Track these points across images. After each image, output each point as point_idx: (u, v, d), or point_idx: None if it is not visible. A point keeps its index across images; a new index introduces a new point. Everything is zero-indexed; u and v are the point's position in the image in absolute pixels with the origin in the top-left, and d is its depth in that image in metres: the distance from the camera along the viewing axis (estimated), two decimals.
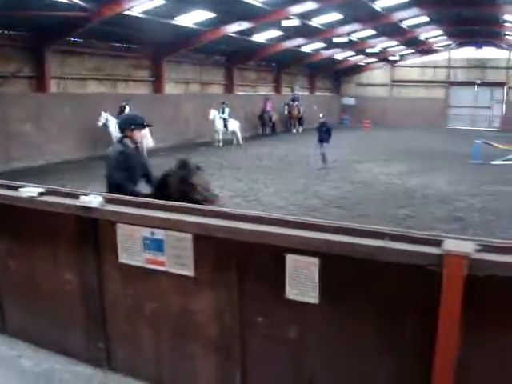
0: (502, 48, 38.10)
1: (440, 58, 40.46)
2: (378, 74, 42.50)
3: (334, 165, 17.10)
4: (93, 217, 3.42)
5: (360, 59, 39.34)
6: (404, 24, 28.09)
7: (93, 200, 3.38)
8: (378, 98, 41.74)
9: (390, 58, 39.57)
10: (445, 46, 38.41)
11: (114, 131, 15.91)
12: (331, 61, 36.52)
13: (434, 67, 40.80)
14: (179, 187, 4.78)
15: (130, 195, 4.52)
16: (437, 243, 2.43)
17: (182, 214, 3.18)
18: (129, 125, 5.42)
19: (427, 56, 40.35)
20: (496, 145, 20.35)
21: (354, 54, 36.57)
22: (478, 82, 39.85)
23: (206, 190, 5.01)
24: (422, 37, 33.57)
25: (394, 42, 33.97)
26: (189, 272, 3.21)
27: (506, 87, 39.67)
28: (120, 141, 5.48)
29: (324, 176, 15.27)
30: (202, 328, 3.28)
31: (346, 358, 2.86)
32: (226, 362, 3.24)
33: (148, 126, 5.79)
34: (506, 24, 29.59)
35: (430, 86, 41.03)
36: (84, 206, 3.36)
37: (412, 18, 27.06)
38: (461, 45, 38.34)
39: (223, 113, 23.35)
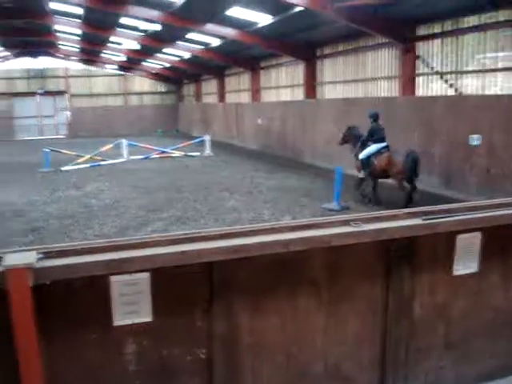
0: (59, 57, 39.18)
1: None
2: None
3: None
4: None
5: None
6: None
7: None
8: None
9: None
10: (1, 57, 37.28)
11: None
12: None
13: None
14: None
15: None
16: None
17: None
18: None
19: None
20: (64, 151, 20.92)
21: None
22: (40, 91, 40.10)
23: None
24: None
25: None
26: None
27: (67, 95, 41.03)
28: None
29: None
30: None
31: None
32: None
33: None
34: (58, 34, 30.46)
35: None
36: None
37: None
38: (17, 55, 37.84)
39: None
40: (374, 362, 3.17)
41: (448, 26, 13.90)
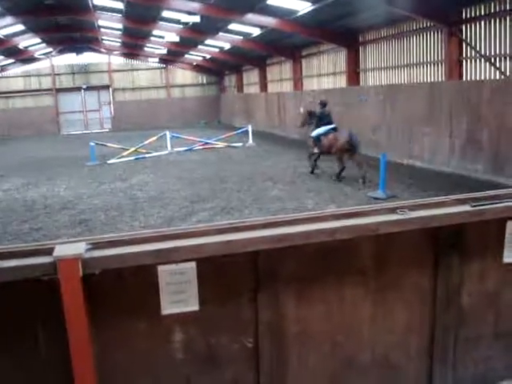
0: (102, 52, 39.84)
1: (44, 65, 40.08)
2: None
3: None
4: None
5: None
6: (0, 33, 26.69)
7: None
8: None
9: None
10: (46, 53, 38.15)
11: None
12: None
13: (39, 75, 40.25)
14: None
15: None
16: (49, 251, 2.36)
17: None
18: None
19: (30, 64, 39.48)
20: (110, 145, 21.32)
21: None
22: (84, 86, 40.91)
23: None
24: (22, 46, 32.57)
25: None
26: None
27: (111, 89, 41.72)
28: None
29: None
30: None
31: None
32: None
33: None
34: (102, 29, 30.98)
35: (37, 95, 40.31)
36: None
37: (7, 27, 25.74)
38: (61, 51, 38.66)
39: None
40: (422, 351, 3.13)
41: (494, 7, 13.50)
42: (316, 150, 14.47)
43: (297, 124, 16.57)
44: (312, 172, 14.82)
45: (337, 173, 13.68)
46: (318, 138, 14.25)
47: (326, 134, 14.06)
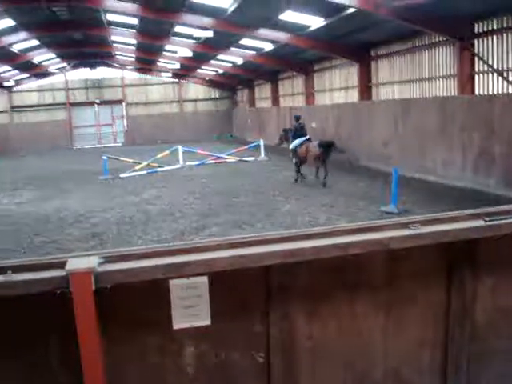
0: (116, 67, 40.22)
1: (58, 80, 40.52)
2: None
3: None
4: None
5: None
6: (15, 48, 27.03)
7: None
8: None
9: (6, 84, 37.83)
10: (60, 68, 38.58)
11: None
12: None
13: (53, 90, 40.69)
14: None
15: None
16: (61, 265, 2.37)
17: None
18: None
19: (45, 79, 39.94)
20: (122, 159, 21.44)
21: None
22: (98, 101, 41.27)
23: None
24: (36, 60, 32.97)
25: (7, 67, 32.46)
26: None
27: (124, 104, 42.04)
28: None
29: None
30: None
31: None
32: None
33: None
34: (115, 45, 31.31)
35: (51, 109, 40.71)
36: None
37: (22, 42, 26.14)
38: (75, 66, 39.09)
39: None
40: (434, 366, 3.10)
41: (506, 22, 13.48)
42: (295, 161, 16.23)
43: (275, 141, 19.58)
44: (296, 181, 16.25)
45: (323, 179, 15.18)
46: (295, 150, 16.05)
47: (300, 144, 15.86)
